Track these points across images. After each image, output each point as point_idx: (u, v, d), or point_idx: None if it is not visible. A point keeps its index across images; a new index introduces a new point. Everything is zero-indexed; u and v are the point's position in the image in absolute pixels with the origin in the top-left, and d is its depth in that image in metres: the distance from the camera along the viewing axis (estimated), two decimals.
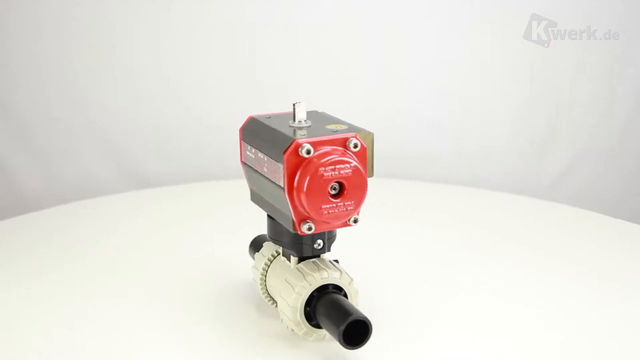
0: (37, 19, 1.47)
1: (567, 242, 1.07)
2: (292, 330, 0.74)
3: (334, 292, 0.73)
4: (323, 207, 0.67)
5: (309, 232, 0.69)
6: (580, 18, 1.49)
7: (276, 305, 0.80)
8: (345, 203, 0.68)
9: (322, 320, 0.71)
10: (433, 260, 1.00)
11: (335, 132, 0.70)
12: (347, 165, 0.67)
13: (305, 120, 0.73)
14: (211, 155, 1.55)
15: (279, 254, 0.79)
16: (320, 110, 0.79)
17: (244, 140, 0.77)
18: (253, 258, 0.86)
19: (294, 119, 0.73)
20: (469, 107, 1.55)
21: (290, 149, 0.67)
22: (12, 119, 1.52)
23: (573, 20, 1.49)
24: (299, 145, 0.66)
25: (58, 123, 1.53)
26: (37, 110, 1.52)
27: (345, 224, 0.71)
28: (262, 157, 0.72)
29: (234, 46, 1.50)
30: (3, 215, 1.52)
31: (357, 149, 0.69)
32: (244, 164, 0.78)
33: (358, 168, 0.68)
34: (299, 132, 0.70)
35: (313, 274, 0.72)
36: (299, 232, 0.69)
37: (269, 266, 0.79)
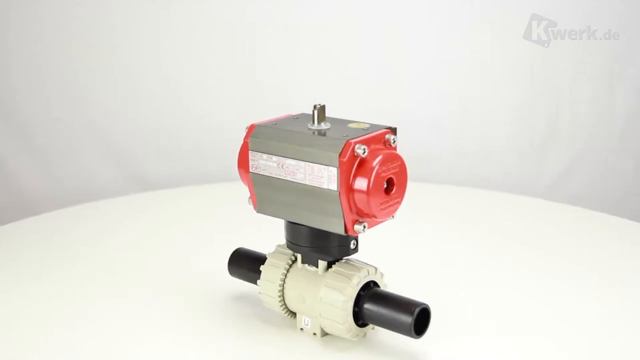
0: (37, 19, 1.47)
1: (569, 241, 1.07)
2: (316, 335, 0.75)
3: (378, 288, 0.74)
4: (380, 204, 0.68)
5: (363, 232, 0.69)
6: (580, 18, 1.49)
7: (293, 316, 0.78)
8: (394, 198, 0.70)
9: (380, 316, 0.70)
10: (434, 260, 1.00)
11: (367, 130, 0.70)
12: (397, 162, 0.69)
13: (324, 122, 0.72)
14: (211, 155, 1.55)
15: (294, 262, 0.77)
16: (305, 111, 0.78)
17: (254, 150, 0.73)
18: (236, 274, 0.84)
19: (315, 121, 0.72)
20: (469, 107, 1.55)
21: (346, 151, 0.66)
22: (12, 119, 1.52)
23: (573, 20, 1.49)
24: (354, 146, 0.66)
25: (58, 123, 1.53)
26: (37, 110, 1.52)
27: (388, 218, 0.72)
28: (293, 163, 0.70)
29: (234, 46, 1.50)
30: (3, 214, 1.53)
31: (395, 144, 0.71)
32: (253, 174, 0.74)
33: (404, 164, 0.70)
34: (340, 133, 0.69)
35: (356, 273, 0.72)
36: (350, 234, 0.69)
37: (286, 276, 0.76)
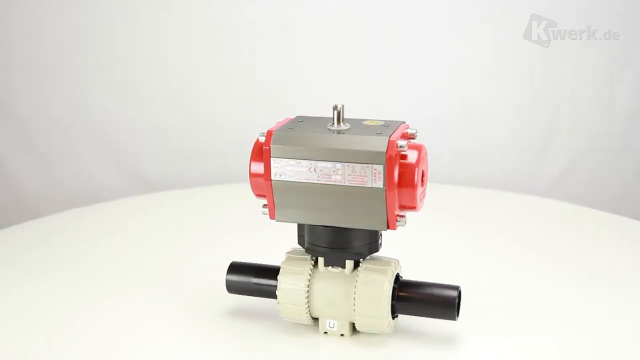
0: (37, 19, 1.47)
1: (569, 240, 1.07)
2: (343, 334, 0.75)
3: (404, 279, 0.76)
4: (422, 196, 0.71)
5: (403, 226, 0.71)
6: (580, 18, 1.49)
7: (315, 322, 0.77)
8: (425, 189, 0.73)
9: (421, 302, 0.73)
10: (435, 259, 1.00)
11: (390, 126, 0.72)
12: (424, 152, 0.72)
13: (343, 122, 0.72)
14: (211, 155, 1.55)
15: (314, 266, 0.76)
16: (304, 114, 0.78)
17: (278, 157, 0.71)
18: (237, 290, 0.80)
19: (337, 122, 0.72)
20: (469, 107, 1.55)
21: (391, 148, 0.68)
22: (12, 119, 1.52)
23: (573, 20, 1.49)
24: (397, 142, 0.68)
25: (58, 123, 1.53)
26: (37, 110, 1.52)
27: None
28: (328, 166, 0.70)
29: (234, 46, 1.50)
30: (3, 214, 1.53)
31: (416, 139, 0.73)
32: (275, 182, 0.71)
33: (427, 153, 0.73)
34: (373, 131, 0.70)
35: (388, 267, 0.74)
36: (392, 229, 0.70)
37: (309, 281, 0.75)
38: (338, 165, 0.69)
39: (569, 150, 1.57)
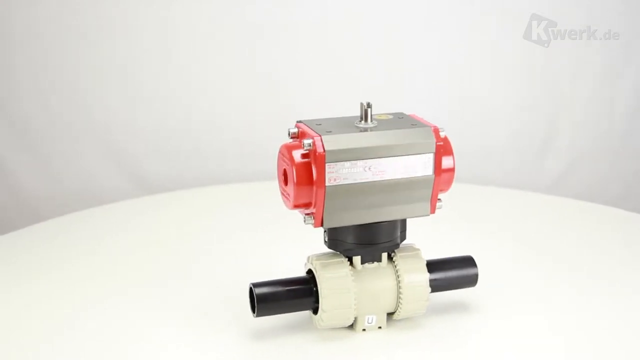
0: (38, 19, 1.47)
1: (570, 237, 1.07)
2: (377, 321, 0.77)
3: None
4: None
5: (440, 209, 0.75)
6: (580, 18, 1.49)
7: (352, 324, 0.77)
8: None
9: (449, 279, 0.80)
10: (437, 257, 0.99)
11: (404, 118, 0.76)
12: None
13: (371, 120, 0.74)
14: (211, 155, 1.55)
15: (351, 266, 0.76)
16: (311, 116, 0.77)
17: (334, 161, 0.69)
18: (271, 311, 0.76)
19: (366, 119, 0.73)
20: (469, 107, 1.55)
21: (437, 135, 0.72)
22: (12, 119, 1.52)
23: (573, 20, 1.49)
24: (438, 131, 0.72)
25: (58, 123, 1.53)
26: (37, 110, 1.52)
27: None
28: (383, 162, 0.71)
29: (234, 46, 1.50)
30: (3, 214, 1.53)
31: None
32: (330, 187, 0.70)
33: None
34: (408, 123, 0.74)
35: (418, 251, 0.78)
36: (433, 213, 0.75)
37: (354, 282, 0.75)
38: (392, 160, 0.71)
39: (569, 150, 1.57)
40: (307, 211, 0.72)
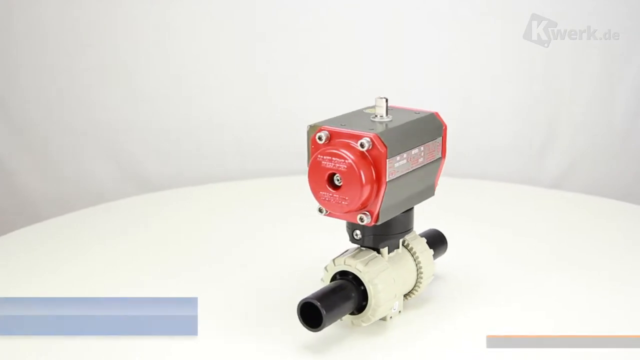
0: (38, 19, 1.47)
1: (572, 233, 1.07)
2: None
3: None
4: None
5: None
6: (580, 18, 1.49)
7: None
8: None
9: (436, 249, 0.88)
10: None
11: (402, 108, 0.82)
12: None
13: (386, 115, 0.76)
14: (211, 155, 1.55)
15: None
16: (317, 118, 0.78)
17: (392, 156, 0.71)
18: (334, 319, 0.73)
19: (387, 113, 0.77)
20: (469, 107, 1.55)
21: (443, 121, 0.79)
22: (12, 119, 1.52)
23: (573, 20, 1.49)
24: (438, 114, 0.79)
25: (58, 123, 1.53)
26: (37, 110, 1.52)
27: None
28: (417, 152, 0.75)
29: (234, 46, 1.50)
30: (3, 214, 1.53)
31: None
32: (390, 182, 0.71)
33: None
34: (413, 113, 0.80)
35: (415, 232, 0.83)
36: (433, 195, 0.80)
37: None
38: (422, 147, 0.76)
39: (569, 150, 1.57)
40: (372, 208, 0.72)
